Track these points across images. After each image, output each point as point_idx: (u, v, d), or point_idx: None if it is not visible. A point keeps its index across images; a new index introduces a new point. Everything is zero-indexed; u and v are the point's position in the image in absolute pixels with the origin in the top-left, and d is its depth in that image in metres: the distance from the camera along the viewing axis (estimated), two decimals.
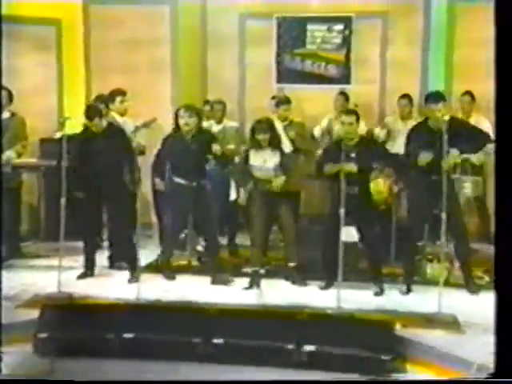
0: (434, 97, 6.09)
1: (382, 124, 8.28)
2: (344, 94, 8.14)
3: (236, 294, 6.07)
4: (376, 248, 6.14)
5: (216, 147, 6.25)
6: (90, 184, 6.33)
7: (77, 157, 6.20)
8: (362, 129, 7.30)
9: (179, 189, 6.34)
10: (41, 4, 8.13)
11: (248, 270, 6.43)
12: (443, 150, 5.54)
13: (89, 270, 6.57)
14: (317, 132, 8.05)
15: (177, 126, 6.35)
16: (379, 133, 8.01)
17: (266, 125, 6.24)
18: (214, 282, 6.28)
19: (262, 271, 6.44)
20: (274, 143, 6.25)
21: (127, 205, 6.38)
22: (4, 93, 6.99)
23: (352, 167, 5.77)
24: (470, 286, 6.16)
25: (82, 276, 6.49)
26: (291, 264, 6.34)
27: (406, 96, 8.15)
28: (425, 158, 5.85)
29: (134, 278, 6.18)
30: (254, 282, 6.22)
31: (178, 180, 6.33)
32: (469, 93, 7.90)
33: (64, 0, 8.32)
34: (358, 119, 6.08)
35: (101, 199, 6.43)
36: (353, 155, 5.89)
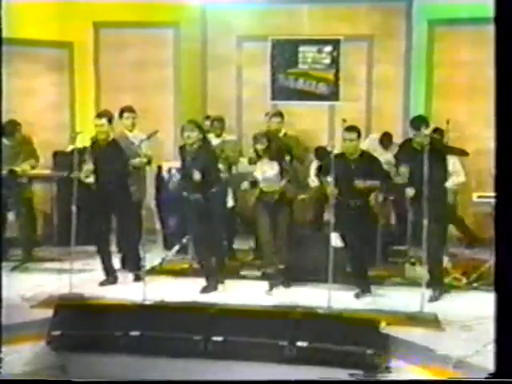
0: (416, 123, 5.95)
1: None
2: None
3: (233, 294, 6.09)
4: (362, 253, 6.10)
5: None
6: (97, 194, 6.29)
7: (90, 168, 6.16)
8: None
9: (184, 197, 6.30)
10: (54, 28, 8.19)
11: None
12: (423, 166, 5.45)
13: (111, 277, 6.45)
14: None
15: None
16: None
17: (264, 137, 6.34)
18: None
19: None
20: (272, 154, 6.27)
21: (133, 212, 6.41)
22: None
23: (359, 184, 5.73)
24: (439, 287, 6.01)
25: (104, 283, 6.37)
26: (281, 266, 6.32)
27: (386, 135, 7.90)
28: (404, 170, 5.82)
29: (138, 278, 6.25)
30: (274, 284, 6.20)
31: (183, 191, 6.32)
32: (438, 130, 7.45)
33: (75, 24, 8.35)
34: (359, 136, 5.96)
35: (108, 208, 6.36)
36: (353, 167, 5.86)
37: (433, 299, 5.79)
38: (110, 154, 6.25)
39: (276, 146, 6.42)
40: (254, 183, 6.28)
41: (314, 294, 6.02)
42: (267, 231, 6.30)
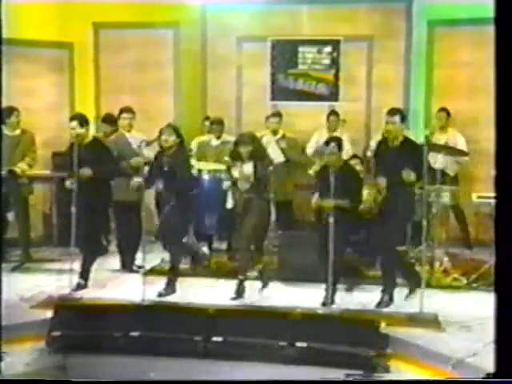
0: (394, 110, 5.85)
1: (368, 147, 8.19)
2: (335, 113, 8.00)
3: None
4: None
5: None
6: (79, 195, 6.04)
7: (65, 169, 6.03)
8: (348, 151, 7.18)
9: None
10: (54, 29, 8.19)
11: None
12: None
13: (83, 281, 6.19)
14: (308, 150, 8.04)
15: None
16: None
17: (248, 138, 6.03)
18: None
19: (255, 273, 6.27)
20: (255, 156, 5.97)
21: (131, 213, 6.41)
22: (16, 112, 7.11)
23: (329, 203, 5.55)
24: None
25: (76, 288, 6.06)
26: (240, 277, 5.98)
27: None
28: (381, 181, 5.72)
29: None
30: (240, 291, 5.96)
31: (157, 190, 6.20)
32: (444, 109, 7.81)
33: (75, 25, 8.35)
34: (339, 147, 5.80)
35: (90, 209, 6.10)
36: (331, 179, 5.50)
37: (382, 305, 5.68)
38: (88, 155, 6.04)
39: (260, 148, 6.18)
40: (235, 183, 6.11)
41: (314, 294, 6.02)
42: (239, 233, 6.08)
